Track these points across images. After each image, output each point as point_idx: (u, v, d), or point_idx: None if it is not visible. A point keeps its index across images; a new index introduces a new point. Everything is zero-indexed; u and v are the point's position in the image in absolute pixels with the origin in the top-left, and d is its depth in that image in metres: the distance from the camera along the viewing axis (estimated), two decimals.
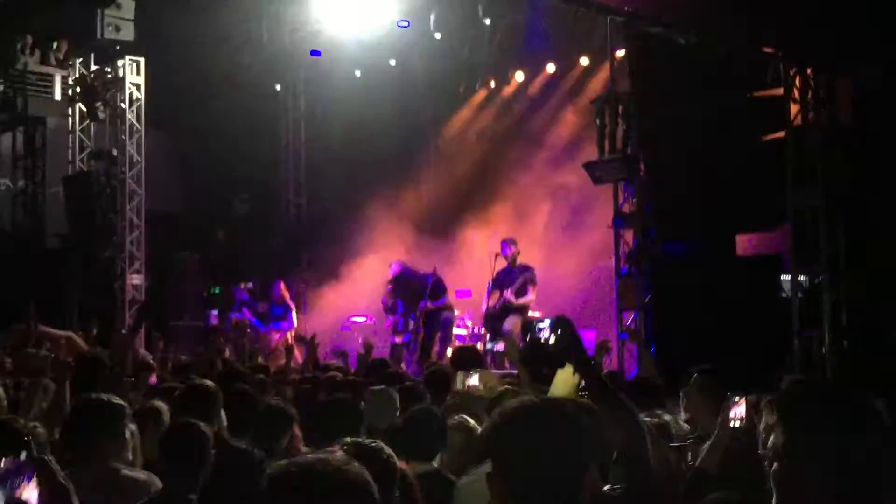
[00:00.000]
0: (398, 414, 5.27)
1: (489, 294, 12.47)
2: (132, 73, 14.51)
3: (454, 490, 4.22)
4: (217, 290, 15.33)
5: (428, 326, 12.70)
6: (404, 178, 16.19)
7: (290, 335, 14.10)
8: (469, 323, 13.84)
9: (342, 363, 9.91)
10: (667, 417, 4.95)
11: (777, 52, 10.17)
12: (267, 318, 14.11)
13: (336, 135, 16.69)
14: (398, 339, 12.96)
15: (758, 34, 9.57)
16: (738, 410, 3.96)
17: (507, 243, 12.51)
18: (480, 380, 5.61)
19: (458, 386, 5.80)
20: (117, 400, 4.26)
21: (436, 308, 12.72)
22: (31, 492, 2.19)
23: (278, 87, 17.24)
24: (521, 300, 12.12)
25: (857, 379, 8.96)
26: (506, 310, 12.08)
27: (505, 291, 12.15)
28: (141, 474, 4.10)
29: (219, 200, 16.55)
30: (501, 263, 12.52)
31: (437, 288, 12.79)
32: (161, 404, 5.09)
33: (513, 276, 12.23)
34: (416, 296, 12.87)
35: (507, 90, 15.89)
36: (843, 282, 9.91)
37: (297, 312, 14.45)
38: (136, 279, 14.53)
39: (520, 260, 12.49)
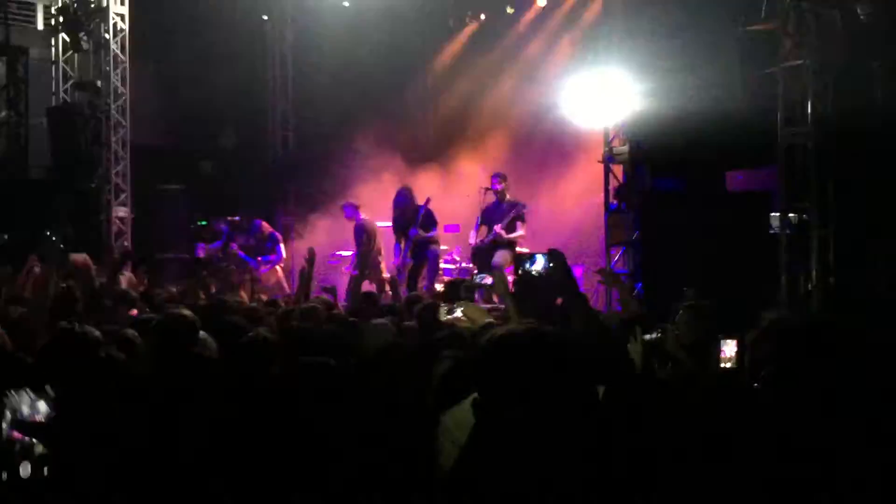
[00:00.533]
0: None
1: (477, 228, 12.45)
2: (116, 3, 14.28)
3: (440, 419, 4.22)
4: (203, 223, 15.24)
5: (416, 258, 12.66)
6: (395, 111, 16.03)
7: (279, 268, 14.06)
8: (457, 258, 13.83)
9: (331, 298, 9.88)
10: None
11: None
12: (253, 251, 13.99)
13: (325, 66, 16.51)
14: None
15: None
16: (728, 350, 3.96)
17: (497, 178, 12.47)
18: (465, 312, 5.57)
19: (443, 318, 5.77)
20: (94, 331, 4.21)
21: (425, 239, 12.66)
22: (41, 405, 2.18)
23: (265, 18, 16.98)
24: (511, 235, 12.13)
25: (842, 314, 8.99)
26: (495, 245, 12.08)
27: (495, 226, 12.14)
28: None
29: (205, 133, 16.38)
30: (490, 198, 12.50)
31: (428, 219, 12.71)
32: (133, 332, 5.04)
33: (502, 211, 12.21)
34: (405, 225, 12.78)
35: (499, 23, 15.67)
36: (831, 219, 9.89)
37: (284, 245, 14.37)
38: (121, 211, 14.46)
39: (509, 194, 12.45)
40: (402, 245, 12.73)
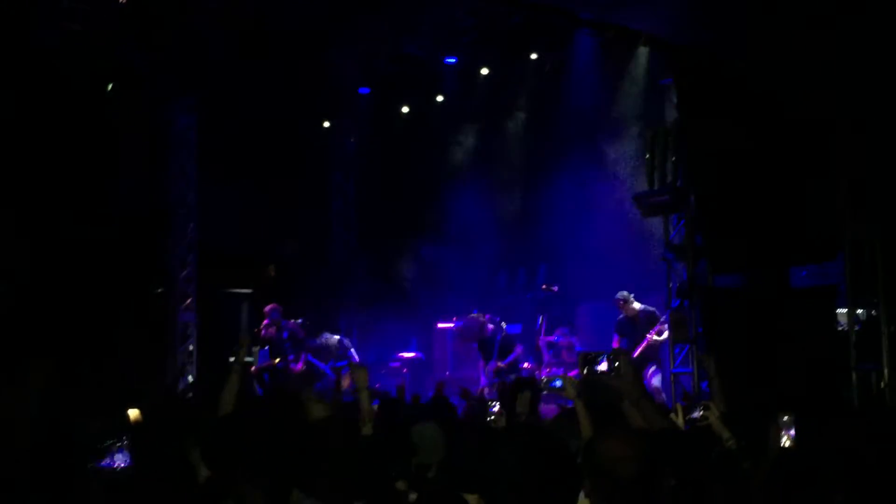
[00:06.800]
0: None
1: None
2: (184, 113, 14.75)
3: None
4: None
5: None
6: (452, 212, 16.18)
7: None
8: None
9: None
10: None
11: (826, 81, 10.04)
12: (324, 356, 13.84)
13: (385, 170, 16.79)
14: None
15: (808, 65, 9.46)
16: (786, 428, 4.06)
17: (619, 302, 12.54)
18: (521, 404, 5.49)
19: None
20: None
21: (506, 366, 12.78)
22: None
23: (327, 124, 17.38)
24: (662, 337, 12.24)
25: None
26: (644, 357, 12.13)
27: (648, 334, 12.17)
28: None
29: (269, 237, 16.63)
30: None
31: (506, 343, 12.88)
32: None
33: (641, 324, 12.30)
34: (488, 353, 12.96)
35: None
36: None
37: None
38: (187, 316, 14.66)
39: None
40: (486, 373, 12.96)
